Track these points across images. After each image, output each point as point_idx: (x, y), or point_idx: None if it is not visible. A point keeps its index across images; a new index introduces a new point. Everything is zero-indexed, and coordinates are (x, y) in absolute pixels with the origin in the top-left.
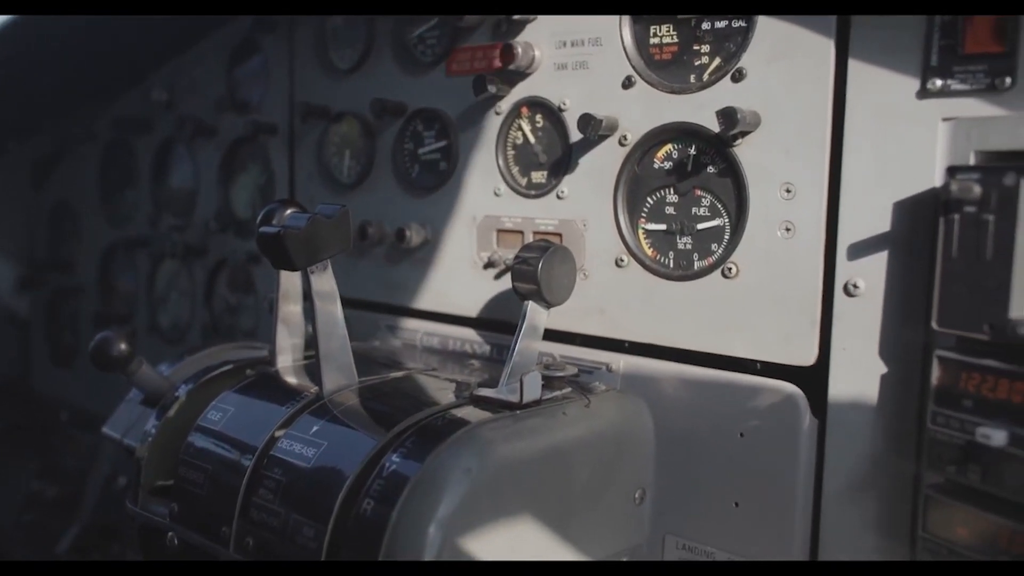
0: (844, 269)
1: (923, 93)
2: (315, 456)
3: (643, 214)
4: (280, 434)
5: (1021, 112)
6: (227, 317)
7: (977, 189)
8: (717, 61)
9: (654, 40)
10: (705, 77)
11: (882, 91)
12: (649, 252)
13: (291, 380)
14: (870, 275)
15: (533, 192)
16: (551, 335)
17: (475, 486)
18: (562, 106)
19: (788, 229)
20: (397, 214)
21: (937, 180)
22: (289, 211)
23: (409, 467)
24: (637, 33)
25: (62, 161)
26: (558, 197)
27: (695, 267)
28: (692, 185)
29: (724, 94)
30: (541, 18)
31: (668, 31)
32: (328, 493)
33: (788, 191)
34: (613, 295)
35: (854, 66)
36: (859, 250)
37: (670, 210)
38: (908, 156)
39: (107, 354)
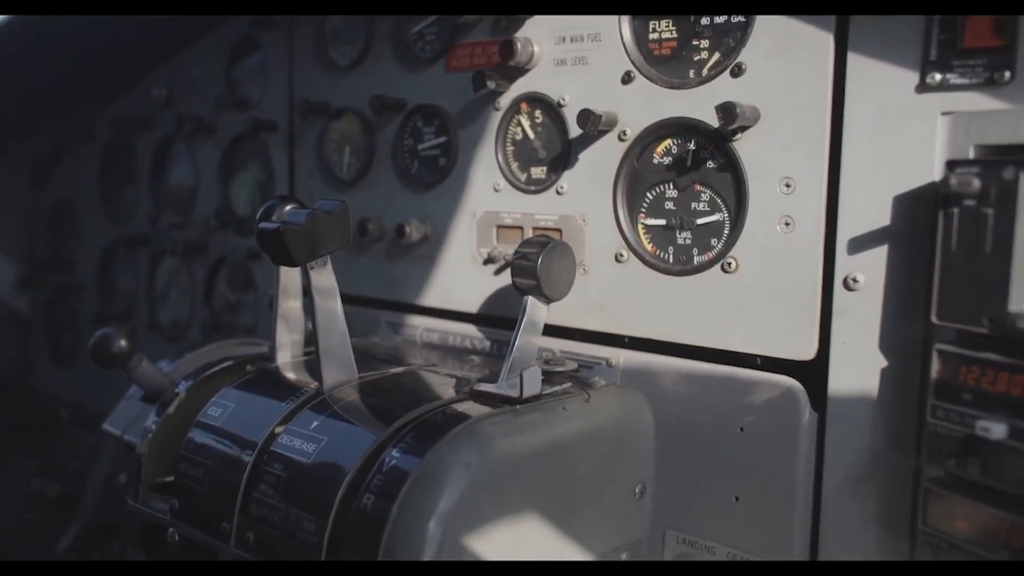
0: (844, 263)
1: (922, 87)
2: (315, 451)
3: (643, 209)
4: (280, 430)
5: (1020, 106)
6: (227, 315)
7: (976, 183)
8: (716, 56)
9: (653, 35)
10: (704, 72)
11: (881, 85)
12: (649, 247)
13: (291, 376)
14: (870, 269)
15: (533, 188)
16: (551, 330)
17: (475, 481)
18: (561, 102)
19: (788, 224)
20: (397, 210)
21: (936, 174)
22: (289, 207)
23: (409, 462)
24: (636, 28)
25: (62, 160)
26: (557, 193)
27: (695, 262)
28: (691, 180)
29: (723, 89)
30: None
31: (667, 26)
32: (328, 488)
33: (788, 186)
34: (613, 290)
35: (853, 61)
36: (859, 244)
37: (669, 205)
38: (907, 150)
39: (107, 350)
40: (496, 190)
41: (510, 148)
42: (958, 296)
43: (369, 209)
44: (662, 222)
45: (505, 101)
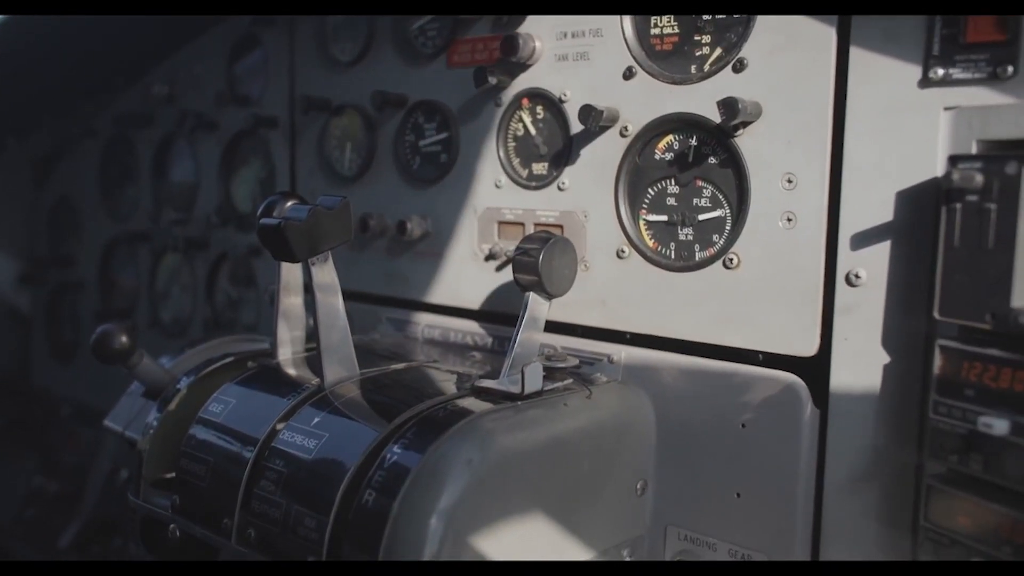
0: (846, 259)
1: (925, 82)
2: (316, 448)
3: (644, 205)
4: (281, 426)
5: (1023, 101)
6: (228, 311)
7: (979, 178)
8: (718, 51)
9: (655, 31)
10: (706, 67)
11: (884, 80)
12: (650, 243)
13: (292, 372)
14: (872, 265)
15: (534, 184)
16: (552, 326)
17: (476, 477)
18: (563, 97)
19: (790, 219)
20: (398, 206)
21: (939, 169)
22: (290, 203)
23: (410, 458)
24: (638, 24)
25: (63, 158)
26: (559, 189)
27: (696, 258)
28: (693, 176)
29: (725, 84)
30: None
31: (669, 21)
32: (330, 484)
33: (789, 181)
34: (614, 286)
35: (855, 56)
36: (861, 240)
37: (671, 201)
38: (910, 145)
39: (108, 347)
40: (497, 186)
41: (511, 144)
42: (961, 292)
43: (370, 205)
44: (664, 218)
45: (506, 97)
